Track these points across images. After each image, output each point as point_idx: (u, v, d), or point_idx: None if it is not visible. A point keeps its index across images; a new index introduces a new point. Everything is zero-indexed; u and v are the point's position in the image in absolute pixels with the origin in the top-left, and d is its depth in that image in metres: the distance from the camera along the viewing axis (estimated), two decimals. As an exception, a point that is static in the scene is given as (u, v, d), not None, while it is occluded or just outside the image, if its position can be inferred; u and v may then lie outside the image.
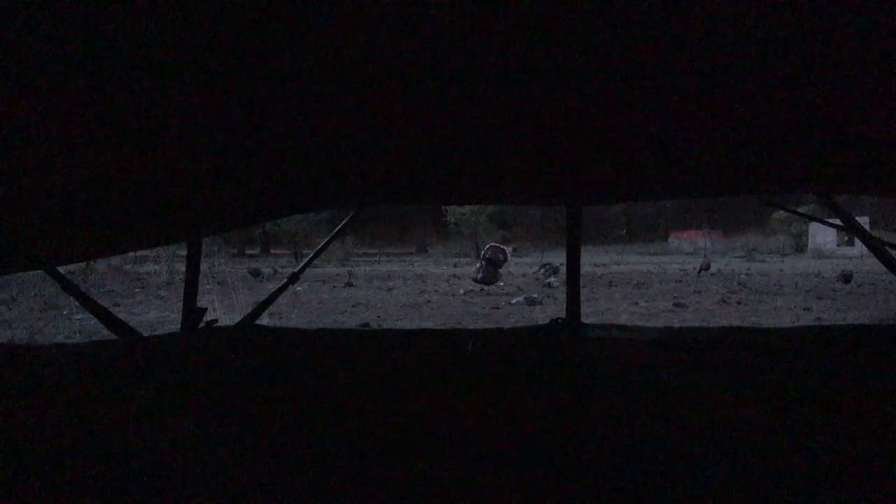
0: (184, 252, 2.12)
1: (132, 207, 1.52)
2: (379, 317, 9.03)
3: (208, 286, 9.42)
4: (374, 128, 1.15)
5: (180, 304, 2.06)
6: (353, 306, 10.27)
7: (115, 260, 16.25)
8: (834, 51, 0.83)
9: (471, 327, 6.54)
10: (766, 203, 2.26)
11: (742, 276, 15.52)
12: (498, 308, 9.95)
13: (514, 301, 10.55)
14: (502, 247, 13.82)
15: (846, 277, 12.85)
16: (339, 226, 2.37)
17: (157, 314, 9.02)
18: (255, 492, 1.69)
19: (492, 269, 12.66)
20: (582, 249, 2.08)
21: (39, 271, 1.91)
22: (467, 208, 27.75)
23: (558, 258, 16.96)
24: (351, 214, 2.30)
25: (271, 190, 1.68)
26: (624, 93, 0.99)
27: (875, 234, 2.05)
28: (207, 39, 0.75)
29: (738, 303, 10.14)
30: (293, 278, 2.35)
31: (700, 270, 16.18)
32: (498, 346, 2.08)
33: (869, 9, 0.72)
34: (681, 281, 14.38)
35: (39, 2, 0.63)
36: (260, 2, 0.67)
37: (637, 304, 10.21)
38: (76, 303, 2.00)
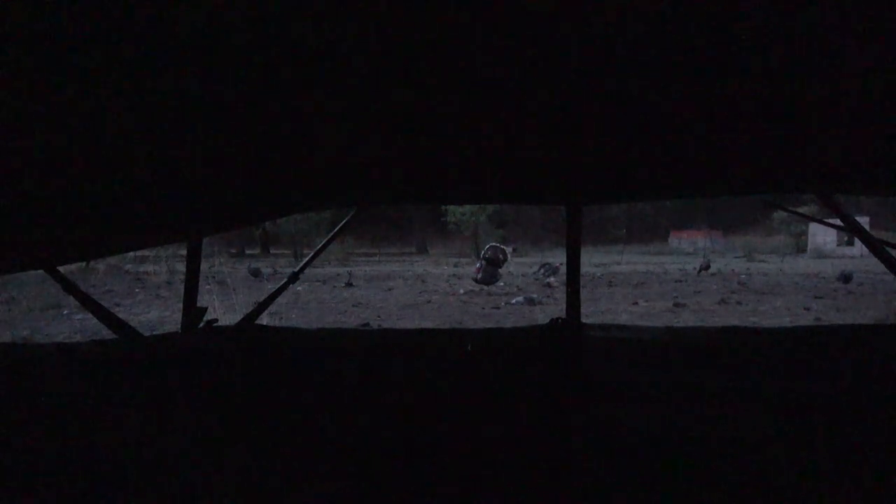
0: (184, 252, 2.12)
1: (132, 207, 1.52)
2: (379, 317, 9.03)
3: (208, 286, 9.42)
4: (373, 128, 1.15)
5: (180, 304, 2.06)
6: (353, 306, 10.27)
7: (115, 260, 16.25)
8: (834, 50, 0.83)
9: (471, 327, 6.54)
10: (766, 203, 2.26)
11: (742, 276, 15.51)
12: (498, 308, 9.95)
13: (514, 301, 10.55)
14: (502, 247, 13.81)
15: (846, 277, 12.85)
16: (339, 226, 2.37)
17: (157, 314, 9.02)
18: (255, 491, 1.69)
19: (492, 269, 12.65)
20: (582, 249, 2.08)
21: (39, 271, 1.91)
22: (467, 208, 27.72)
23: (558, 258, 16.94)
24: (351, 214, 2.30)
25: (271, 190, 1.69)
26: (624, 92, 0.99)
27: (875, 234, 2.04)
28: (206, 38, 0.75)
29: (738, 303, 10.14)
30: (293, 278, 2.35)
31: (700, 270, 16.16)
32: (498, 346, 2.08)
33: (869, 7, 0.72)
34: (681, 281, 14.37)
35: (40, 1, 0.63)
36: (260, 1, 0.67)
37: (637, 304, 10.21)
38: (76, 303, 2.00)
